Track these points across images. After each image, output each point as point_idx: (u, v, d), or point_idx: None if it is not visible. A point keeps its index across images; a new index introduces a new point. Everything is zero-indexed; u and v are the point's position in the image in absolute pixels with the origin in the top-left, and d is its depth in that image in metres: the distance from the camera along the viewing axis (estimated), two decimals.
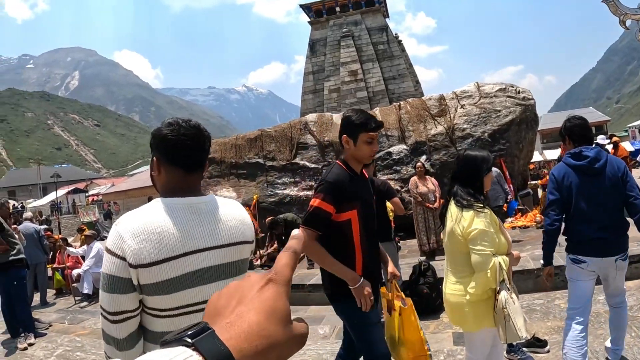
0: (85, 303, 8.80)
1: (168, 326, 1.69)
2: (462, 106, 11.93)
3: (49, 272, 9.95)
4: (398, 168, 11.77)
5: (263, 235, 11.05)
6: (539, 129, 18.29)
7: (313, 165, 12.36)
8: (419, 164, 8.88)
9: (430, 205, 8.47)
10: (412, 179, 8.88)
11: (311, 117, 13.46)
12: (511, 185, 10.28)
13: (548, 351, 4.35)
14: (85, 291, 8.85)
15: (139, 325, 1.73)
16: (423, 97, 13.47)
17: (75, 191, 57.06)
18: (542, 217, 10.11)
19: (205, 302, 1.64)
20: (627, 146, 26.81)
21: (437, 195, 8.55)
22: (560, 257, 4.00)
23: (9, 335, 7.00)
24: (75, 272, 9.24)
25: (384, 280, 3.42)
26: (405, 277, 6.21)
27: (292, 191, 12.32)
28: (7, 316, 6.94)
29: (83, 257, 9.66)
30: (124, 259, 1.60)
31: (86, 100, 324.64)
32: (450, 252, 3.16)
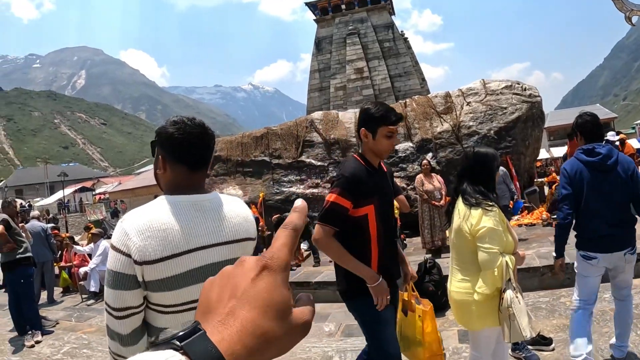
0: (92, 301, 8.84)
1: (172, 322, 1.71)
2: (468, 103, 11.91)
3: (56, 271, 9.98)
4: (404, 166, 11.77)
5: (269, 233, 11.06)
6: (546, 126, 18.23)
7: (319, 163, 12.37)
8: (424, 161, 8.88)
9: (436, 203, 8.47)
10: (418, 176, 8.88)
11: (317, 114, 13.47)
12: (517, 183, 10.26)
13: (553, 349, 4.33)
14: (92, 289, 8.88)
15: (143, 321, 1.74)
16: (429, 95, 13.45)
17: (82, 190, 57.20)
18: (548, 214, 10.11)
19: None
20: (634, 143, 26.62)
21: (443, 192, 8.54)
22: (566, 255, 4.00)
23: (16, 333, 7.04)
24: (82, 270, 9.27)
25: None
26: None
27: (298, 189, 12.33)
28: (15, 314, 6.97)
29: (90, 255, 9.69)
30: (129, 255, 1.62)
31: (93, 99, 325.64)
32: (457, 250, 3.14)
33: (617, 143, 10.81)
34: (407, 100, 13.16)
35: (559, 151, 32.49)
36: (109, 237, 2.88)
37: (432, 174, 8.85)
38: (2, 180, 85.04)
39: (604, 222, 3.56)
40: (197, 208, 1.75)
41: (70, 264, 10.00)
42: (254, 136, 13.39)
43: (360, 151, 3.03)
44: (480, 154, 3.18)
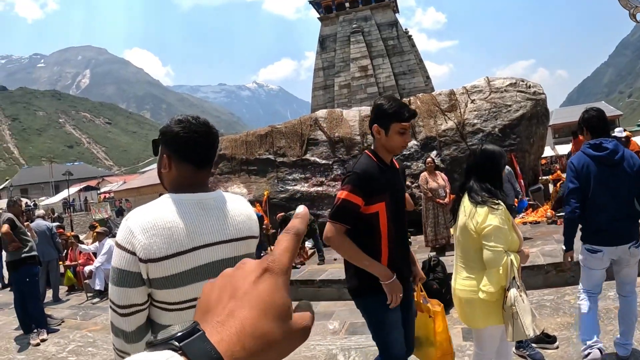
0: (97, 299, 8.88)
1: (176, 319, 1.71)
2: (473, 101, 11.87)
3: (61, 269, 10.02)
4: (408, 163, 11.74)
5: (274, 231, 11.07)
6: (551, 123, 18.20)
7: (323, 162, 12.36)
8: (429, 159, 8.86)
9: (441, 201, 8.46)
10: (422, 174, 8.87)
11: (321, 113, 13.45)
12: (522, 181, 10.23)
13: (557, 347, 4.33)
14: (97, 287, 8.93)
15: (148, 319, 1.75)
16: (433, 93, 13.42)
17: (87, 189, 57.39)
18: (553, 212, 10.09)
19: None
20: (639, 140, 26.47)
21: (448, 190, 8.53)
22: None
23: (22, 332, 7.08)
24: (87, 268, 9.30)
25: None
26: None
27: (302, 187, 12.32)
28: (20, 313, 7.01)
29: (95, 254, 9.73)
30: (134, 253, 1.63)
31: (97, 98, 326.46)
32: (462, 247, 3.13)
33: (624, 139, 10.77)
34: (412, 98, 13.12)
35: (564, 149, 32.38)
36: (114, 236, 2.88)
37: (437, 172, 8.84)
38: (7, 180, 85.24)
39: (610, 216, 3.61)
40: (201, 206, 1.76)
41: (76, 262, 10.03)
42: (259, 134, 13.38)
43: (372, 147, 2.98)
44: (488, 151, 3.16)
